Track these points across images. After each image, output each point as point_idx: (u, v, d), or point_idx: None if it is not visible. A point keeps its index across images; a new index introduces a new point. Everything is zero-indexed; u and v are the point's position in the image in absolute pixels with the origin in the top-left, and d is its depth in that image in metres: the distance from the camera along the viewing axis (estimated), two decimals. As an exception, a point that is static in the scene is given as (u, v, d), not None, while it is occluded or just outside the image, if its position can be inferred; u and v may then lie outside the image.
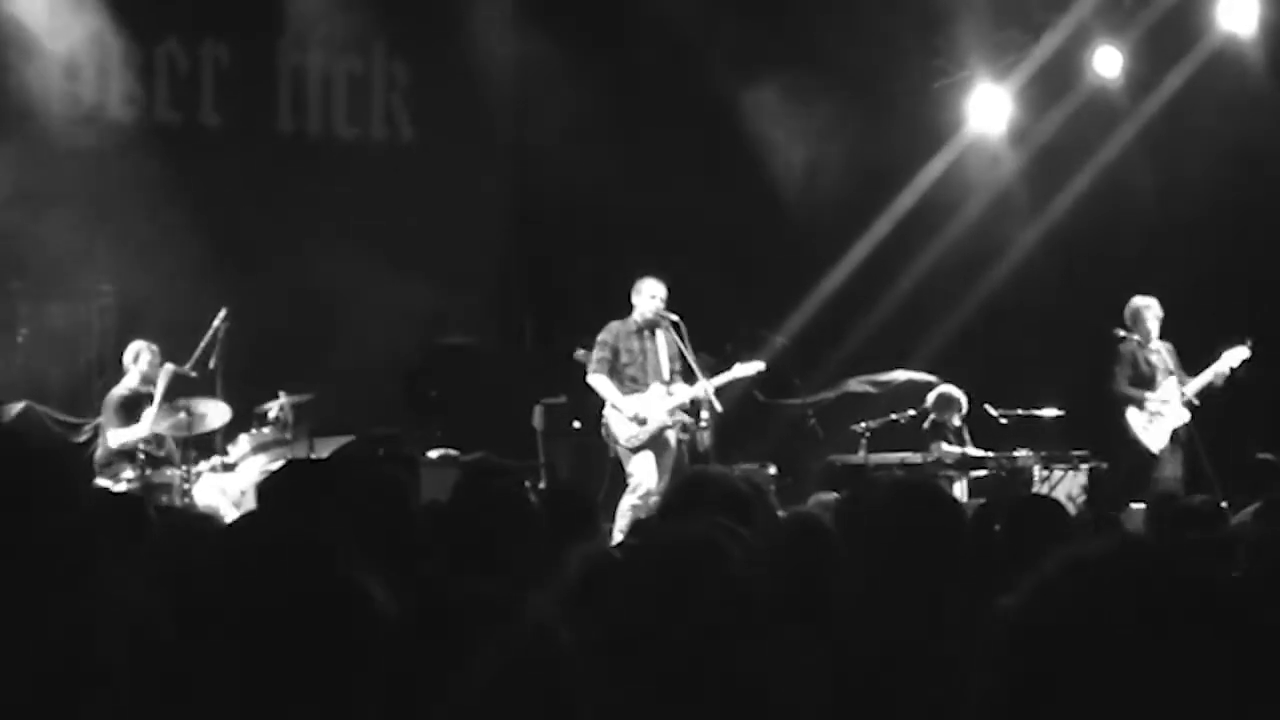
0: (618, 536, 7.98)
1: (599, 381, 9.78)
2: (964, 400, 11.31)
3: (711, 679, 2.15)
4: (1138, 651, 1.31)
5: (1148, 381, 10.62)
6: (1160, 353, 10.63)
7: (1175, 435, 10.55)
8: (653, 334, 9.85)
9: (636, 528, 5.31)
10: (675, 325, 9.80)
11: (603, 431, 9.85)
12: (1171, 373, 10.57)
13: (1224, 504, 6.74)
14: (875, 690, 2.85)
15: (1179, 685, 1.30)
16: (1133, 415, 10.63)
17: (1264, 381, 10.58)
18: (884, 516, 3.21)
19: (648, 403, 9.67)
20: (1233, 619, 1.34)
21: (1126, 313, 10.73)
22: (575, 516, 5.02)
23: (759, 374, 10.22)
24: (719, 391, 9.82)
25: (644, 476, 9.54)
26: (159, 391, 9.98)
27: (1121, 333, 10.68)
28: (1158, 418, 10.56)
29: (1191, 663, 1.31)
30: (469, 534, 3.55)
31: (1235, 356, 10.47)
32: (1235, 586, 1.37)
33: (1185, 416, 10.53)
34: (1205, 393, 10.56)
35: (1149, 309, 10.65)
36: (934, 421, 11.33)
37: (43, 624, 1.58)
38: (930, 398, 11.40)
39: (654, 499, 9.15)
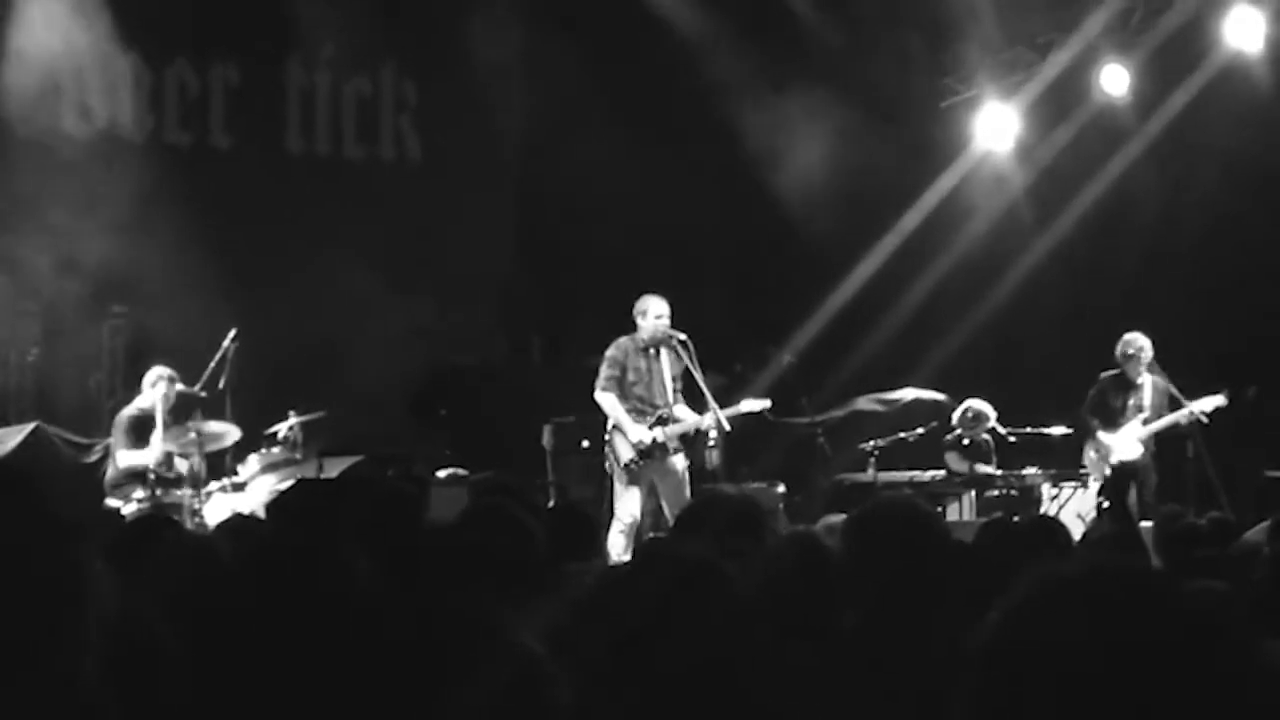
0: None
1: (608, 400, 9.56)
2: (992, 414, 11.29)
3: (713, 696, 2.15)
4: (1109, 673, 1.30)
5: (1115, 415, 10.52)
6: (1143, 389, 10.47)
7: (1125, 466, 10.42)
8: (657, 353, 9.73)
9: (641, 546, 5.32)
10: (683, 344, 9.64)
11: (606, 449, 9.78)
12: (1142, 410, 10.45)
13: (1233, 521, 6.73)
14: (869, 712, 2.85)
15: (1153, 709, 1.29)
16: (1087, 444, 10.66)
17: (1273, 400, 10.54)
18: (880, 540, 3.22)
19: (652, 430, 9.55)
20: (1213, 640, 1.33)
21: (1117, 346, 10.58)
22: (579, 535, 5.03)
23: (764, 411, 10.03)
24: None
25: (626, 509, 9.39)
26: (159, 416, 9.91)
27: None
28: (1105, 450, 10.50)
29: (1167, 686, 1.30)
30: (470, 553, 3.56)
31: (1209, 404, 10.23)
32: (1218, 606, 1.36)
33: (1135, 452, 10.39)
34: (1170, 433, 10.42)
35: (1136, 345, 10.40)
36: (958, 436, 11.32)
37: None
38: (956, 414, 11.38)
39: (627, 528, 9.22)
